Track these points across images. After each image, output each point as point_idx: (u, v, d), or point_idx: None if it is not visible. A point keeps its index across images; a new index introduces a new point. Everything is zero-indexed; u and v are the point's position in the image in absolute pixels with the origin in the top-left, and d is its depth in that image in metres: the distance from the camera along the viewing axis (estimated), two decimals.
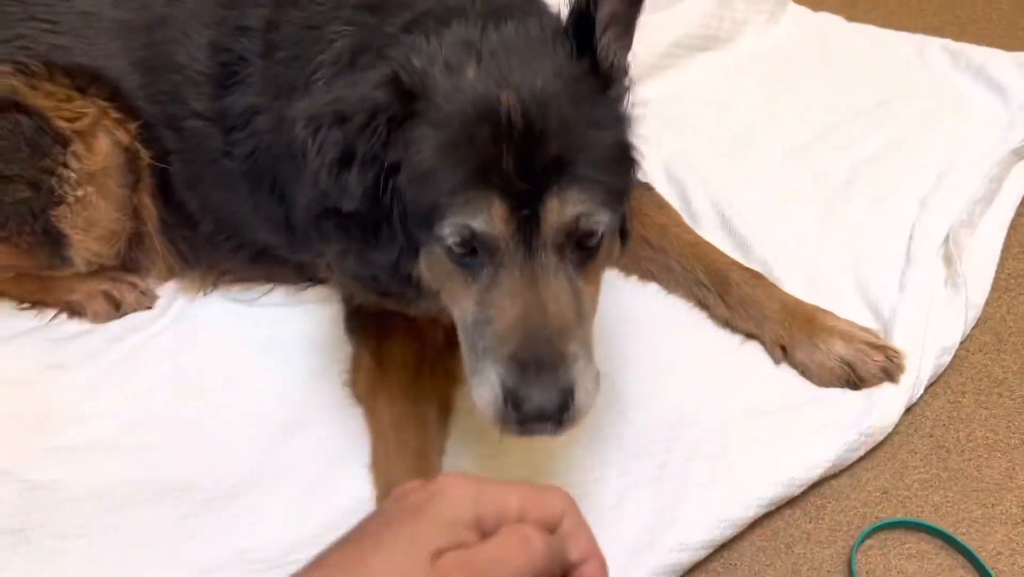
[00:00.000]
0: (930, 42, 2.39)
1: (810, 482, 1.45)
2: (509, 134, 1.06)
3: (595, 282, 1.19)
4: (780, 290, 1.68)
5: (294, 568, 0.65)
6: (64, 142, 1.65)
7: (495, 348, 1.08)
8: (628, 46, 1.21)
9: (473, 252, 1.11)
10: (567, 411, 1.06)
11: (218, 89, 1.64)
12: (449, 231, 1.09)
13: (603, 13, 1.13)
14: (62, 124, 1.66)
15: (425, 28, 1.21)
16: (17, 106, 1.66)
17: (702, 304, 1.75)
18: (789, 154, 2.11)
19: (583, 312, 1.12)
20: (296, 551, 1.37)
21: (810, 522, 1.43)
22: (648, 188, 1.85)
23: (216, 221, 1.72)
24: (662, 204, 1.86)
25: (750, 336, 1.69)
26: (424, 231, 1.14)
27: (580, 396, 1.07)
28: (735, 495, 1.39)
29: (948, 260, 1.76)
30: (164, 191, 1.74)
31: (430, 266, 1.20)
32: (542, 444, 1.49)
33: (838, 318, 1.63)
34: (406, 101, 1.10)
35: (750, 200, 1.96)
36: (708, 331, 1.72)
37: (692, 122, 2.22)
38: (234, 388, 1.65)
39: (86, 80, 1.69)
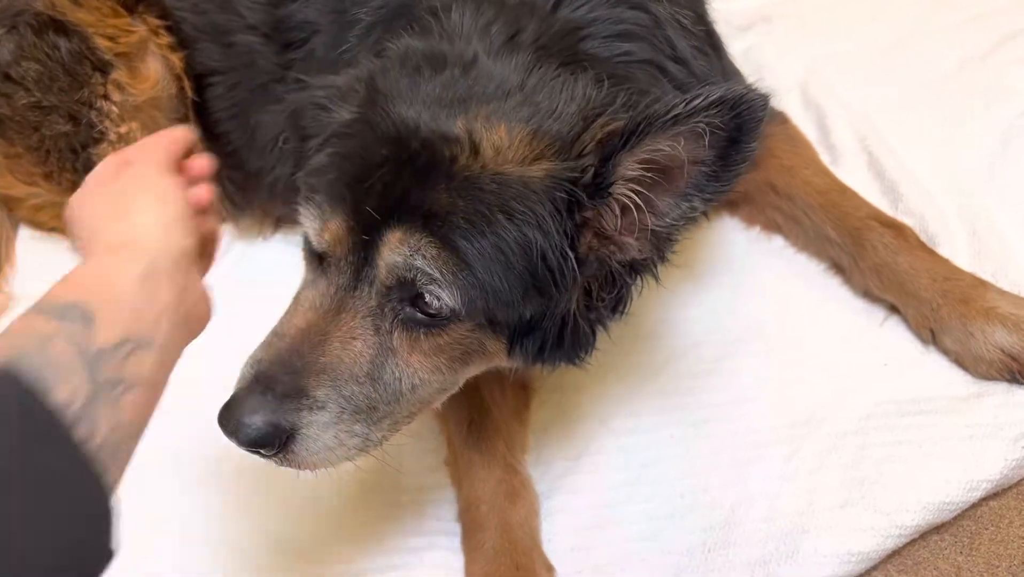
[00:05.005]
0: None
1: (966, 505, 1.20)
2: (404, 162, 0.95)
3: (431, 358, 1.02)
4: (929, 255, 1.38)
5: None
6: (104, 69, 1.48)
7: (262, 343, 1.01)
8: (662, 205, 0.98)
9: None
10: (271, 447, 0.95)
11: None
12: (300, 215, 1.03)
13: (645, 146, 0.92)
14: (104, 44, 1.48)
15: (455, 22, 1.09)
16: (55, 25, 1.49)
17: (836, 266, 1.46)
18: (958, 69, 1.73)
19: (379, 375, 0.99)
20: (350, 555, 1.24)
21: (961, 553, 1.19)
22: (782, 120, 1.54)
23: (263, 157, 1.52)
24: (795, 139, 1.55)
25: (894, 310, 1.40)
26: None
27: (300, 446, 0.96)
28: (870, 522, 1.16)
29: None
30: (207, 122, 1.56)
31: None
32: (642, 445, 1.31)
33: (1003, 294, 1.32)
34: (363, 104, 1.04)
35: (904, 131, 1.63)
36: (844, 301, 1.44)
37: (835, 26, 1.85)
38: None
39: None
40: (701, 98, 0.87)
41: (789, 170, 1.48)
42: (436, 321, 0.98)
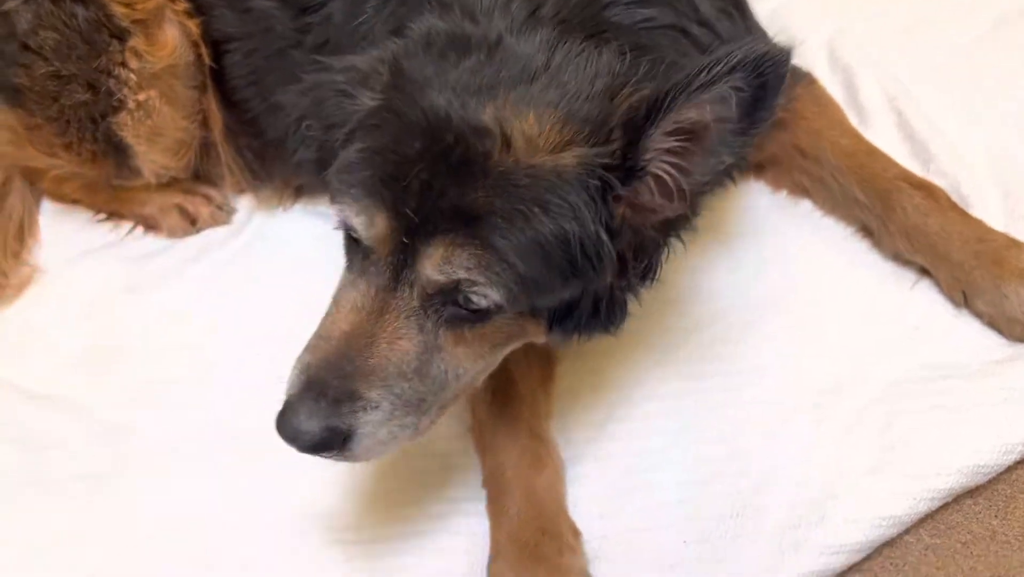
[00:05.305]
0: None
1: (1001, 469, 1.18)
2: (438, 157, 0.94)
3: (475, 347, 1.04)
4: (960, 216, 1.34)
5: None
6: (121, 36, 1.46)
7: (308, 346, 1.02)
8: (697, 172, 0.97)
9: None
10: (330, 450, 0.98)
11: None
12: (337, 213, 1.02)
13: (672, 119, 0.91)
14: (121, 11, 1.46)
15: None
16: None
17: (865, 230, 1.43)
18: (993, 25, 1.68)
19: (426, 371, 1.01)
20: (375, 521, 1.25)
21: (996, 517, 1.17)
22: (809, 81, 1.50)
23: (285, 135, 1.50)
24: (822, 99, 1.51)
25: (925, 272, 1.37)
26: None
27: (358, 444, 0.99)
28: (902, 486, 1.15)
29: None
30: (224, 89, 1.54)
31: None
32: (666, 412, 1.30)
33: None
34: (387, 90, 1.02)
35: (935, 91, 1.58)
36: (873, 265, 1.41)
37: None
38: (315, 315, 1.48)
39: None
40: (722, 63, 0.86)
41: (816, 132, 1.45)
42: (479, 316, 0.99)
